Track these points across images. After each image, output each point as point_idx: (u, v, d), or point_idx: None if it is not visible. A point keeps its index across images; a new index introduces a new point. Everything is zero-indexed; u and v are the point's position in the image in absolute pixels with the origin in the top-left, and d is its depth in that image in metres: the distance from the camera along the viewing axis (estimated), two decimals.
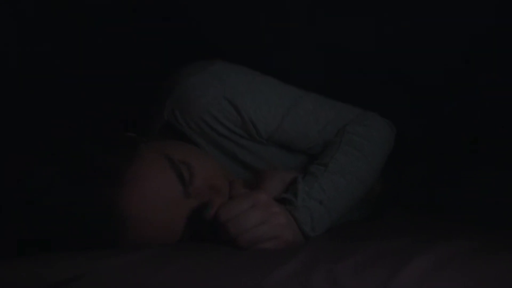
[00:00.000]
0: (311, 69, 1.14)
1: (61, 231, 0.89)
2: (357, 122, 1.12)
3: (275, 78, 1.12)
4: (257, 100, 1.07)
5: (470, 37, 1.12)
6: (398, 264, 0.77)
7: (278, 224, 0.93)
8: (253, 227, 0.91)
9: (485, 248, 0.82)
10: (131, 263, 0.85)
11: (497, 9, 1.10)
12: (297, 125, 1.10)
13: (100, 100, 1.27)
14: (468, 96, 1.16)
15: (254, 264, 0.83)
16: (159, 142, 1.01)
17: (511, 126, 1.16)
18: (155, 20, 1.25)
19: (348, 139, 1.08)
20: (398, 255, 0.80)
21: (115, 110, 1.20)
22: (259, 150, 1.11)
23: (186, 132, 1.07)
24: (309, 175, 1.03)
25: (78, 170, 0.89)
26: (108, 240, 0.90)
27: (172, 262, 0.84)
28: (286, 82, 1.13)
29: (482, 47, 1.13)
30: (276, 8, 1.13)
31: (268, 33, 1.14)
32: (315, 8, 1.11)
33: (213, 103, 1.05)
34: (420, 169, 1.18)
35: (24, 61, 1.27)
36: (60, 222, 0.89)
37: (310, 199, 0.99)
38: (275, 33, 1.14)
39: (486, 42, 1.13)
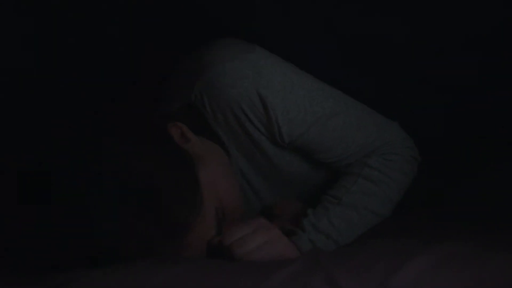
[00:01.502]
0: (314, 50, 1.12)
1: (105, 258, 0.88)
2: (381, 154, 1.09)
3: (315, 79, 1.07)
4: (287, 101, 1.01)
5: (477, 35, 1.11)
6: (397, 264, 0.77)
7: (281, 243, 0.95)
8: (257, 247, 0.92)
9: (484, 248, 0.82)
10: (131, 265, 0.85)
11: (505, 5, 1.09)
12: (322, 137, 1.06)
13: (100, 100, 1.27)
14: (470, 96, 1.16)
15: (254, 267, 0.84)
16: (211, 171, 0.96)
17: None
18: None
19: (367, 173, 1.07)
20: (397, 256, 0.80)
21: (115, 110, 1.19)
22: (277, 156, 1.08)
23: (210, 122, 1.03)
24: (321, 207, 1.04)
25: (152, 219, 0.86)
26: None
27: (172, 264, 0.84)
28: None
29: (488, 46, 1.12)
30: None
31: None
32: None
33: (244, 96, 0.99)
34: (421, 170, 1.18)
35: (24, 61, 1.27)
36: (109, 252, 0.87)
37: (316, 233, 1.00)
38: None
39: (493, 40, 1.11)
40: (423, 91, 1.17)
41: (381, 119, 1.13)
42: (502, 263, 0.78)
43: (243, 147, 1.07)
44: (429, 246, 0.82)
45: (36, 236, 0.91)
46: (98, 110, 1.21)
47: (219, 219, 0.94)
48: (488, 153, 1.19)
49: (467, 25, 1.10)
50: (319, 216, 1.03)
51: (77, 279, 0.83)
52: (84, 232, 0.86)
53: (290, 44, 1.09)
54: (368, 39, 1.11)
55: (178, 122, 0.99)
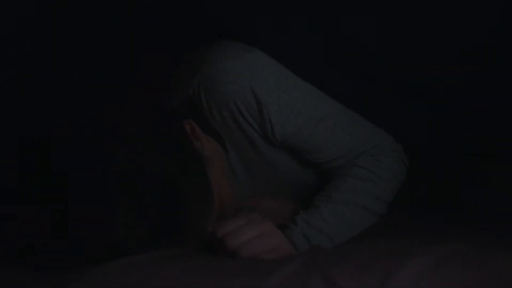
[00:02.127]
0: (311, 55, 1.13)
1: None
2: (370, 155, 1.11)
3: (310, 85, 1.10)
4: (281, 101, 1.04)
5: (471, 41, 1.12)
6: (396, 265, 0.78)
7: (275, 237, 0.97)
8: (250, 240, 0.94)
9: (483, 248, 0.82)
10: (131, 265, 0.85)
11: (501, 11, 1.09)
12: (314, 138, 1.08)
13: (100, 100, 1.27)
14: (468, 97, 1.16)
15: (253, 266, 0.84)
16: (217, 172, 0.99)
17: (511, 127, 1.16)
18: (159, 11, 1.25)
19: (356, 173, 1.09)
20: (396, 256, 0.80)
21: (116, 110, 1.19)
22: (270, 154, 1.10)
23: (206, 116, 1.06)
24: (312, 206, 1.06)
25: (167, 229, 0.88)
26: None
27: (171, 264, 0.85)
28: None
29: (484, 50, 1.12)
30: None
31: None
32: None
33: (239, 93, 1.03)
34: (421, 172, 1.19)
35: (24, 60, 1.27)
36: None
37: (309, 227, 1.02)
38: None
39: (488, 45, 1.12)
40: (413, 95, 1.17)
41: (370, 125, 1.15)
42: (500, 264, 0.78)
43: (236, 143, 1.09)
44: (428, 247, 0.82)
45: (40, 236, 0.91)
46: (100, 109, 1.21)
47: (218, 220, 0.97)
48: (487, 154, 1.19)
49: (462, 32, 1.11)
50: (311, 213, 1.04)
51: (77, 279, 0.83)
52: (103, 233, 0.87)
53: (285, 47, 1.10)
54: (362, 44, 1.12)
55: (189, 119, 1.01)
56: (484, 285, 0.75)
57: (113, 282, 0.82)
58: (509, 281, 0.76)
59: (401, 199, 1.13)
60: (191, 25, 1.20)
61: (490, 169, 1.17)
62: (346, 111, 1.13)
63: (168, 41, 1.25)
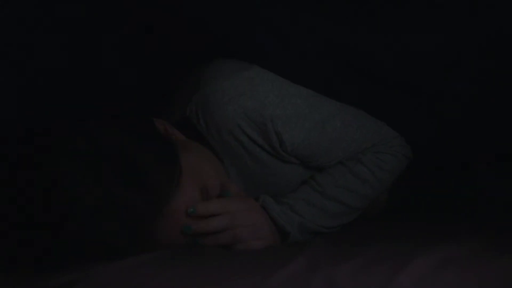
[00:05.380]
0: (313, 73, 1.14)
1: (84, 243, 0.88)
2: (375, 152, 1.13)
3: (309, 90, 1.10)
4: (287, 111, 1.05)
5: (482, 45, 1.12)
6: (398, 267, 0.78)
7: (264, 228, 1.01)
8: (247, 226, 0.99)
9: (484, 251, 0.82)
10: (131, 267, 0.85)
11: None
12: (323, 141, 1.09)
13: (105, 100, 1.27)
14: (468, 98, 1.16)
15: (253, 267, 0.84)
16: (194, 155, 0.99)
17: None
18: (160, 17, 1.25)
19: (357, 170, 1.11)
20: (398, 258, 0.80)
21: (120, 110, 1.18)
22: (274, 166, 1.11)
23: (203, 133, 1.06)
24: (302, 189, 1.10)
25: (130, 185, 0.88)
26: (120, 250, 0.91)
27: (172, 265, 0.85)
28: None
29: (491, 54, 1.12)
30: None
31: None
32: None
33: (240, 113, 1.03)
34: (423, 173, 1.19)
35: (28, 62, 1.27)
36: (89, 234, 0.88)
37: (292, 212, 1.06)
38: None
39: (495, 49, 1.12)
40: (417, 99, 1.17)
41: (373, 118, 1.16)
42: (502, 266, 0.78)
43: (235, 159, 1.09)
44: (430, 249, 0.82)
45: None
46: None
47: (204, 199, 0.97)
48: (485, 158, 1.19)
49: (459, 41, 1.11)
50: (297, 197, 1.08)
51: (76, 281, 0.83)
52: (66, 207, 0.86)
53: (289, 61, 1.12)
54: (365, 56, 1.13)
55: (162, 120, 1.03)
56: (486, 287, 0.75)
57: (112, 283, 0.82)
58: (511, 283, 0.76)
59: (402, 201, 1.13)
60: (193, 42, 1.20)
61: (489, 171, 1.17)
62: (350, 108, 1.13)
63: (170, 58, 1.26)
